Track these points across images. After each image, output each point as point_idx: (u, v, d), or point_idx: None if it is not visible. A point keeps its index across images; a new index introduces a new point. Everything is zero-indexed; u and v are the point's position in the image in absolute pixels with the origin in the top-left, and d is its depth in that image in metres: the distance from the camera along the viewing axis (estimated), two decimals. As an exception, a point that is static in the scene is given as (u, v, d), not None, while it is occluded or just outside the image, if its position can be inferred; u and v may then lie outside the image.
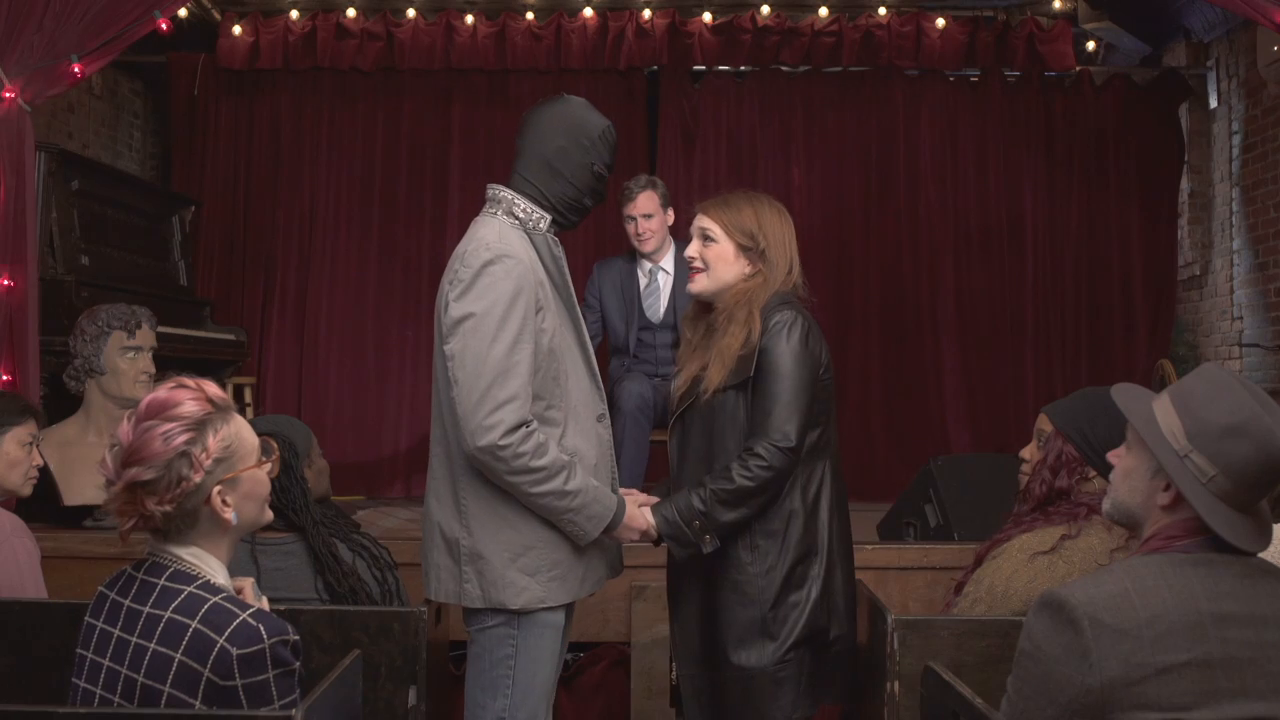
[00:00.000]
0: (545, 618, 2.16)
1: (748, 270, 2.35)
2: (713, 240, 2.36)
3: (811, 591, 2.28)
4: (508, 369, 2.04)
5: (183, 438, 1.58)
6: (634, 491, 2.36)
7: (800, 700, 2.27)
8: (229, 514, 1.62)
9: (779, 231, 2.38)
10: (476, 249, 2.11)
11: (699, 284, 2.39)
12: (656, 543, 2.30)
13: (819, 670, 2.31)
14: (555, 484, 2.08)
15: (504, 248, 2.11)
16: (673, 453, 2.40)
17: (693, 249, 2.39)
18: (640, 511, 2.24)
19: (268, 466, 1.72)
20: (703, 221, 2.38)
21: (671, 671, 2.44)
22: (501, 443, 2.02)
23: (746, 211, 2.37)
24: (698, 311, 2.46)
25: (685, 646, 2.37)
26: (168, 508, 1.58)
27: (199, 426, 1.60)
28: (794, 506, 2.29)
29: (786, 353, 2.25)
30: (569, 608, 2.25)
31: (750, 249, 2.35)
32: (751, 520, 2.26)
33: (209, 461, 1.60)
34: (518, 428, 2.03)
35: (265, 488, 1.70)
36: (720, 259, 2.36)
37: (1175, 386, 1.62)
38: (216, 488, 1.61)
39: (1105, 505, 1.70)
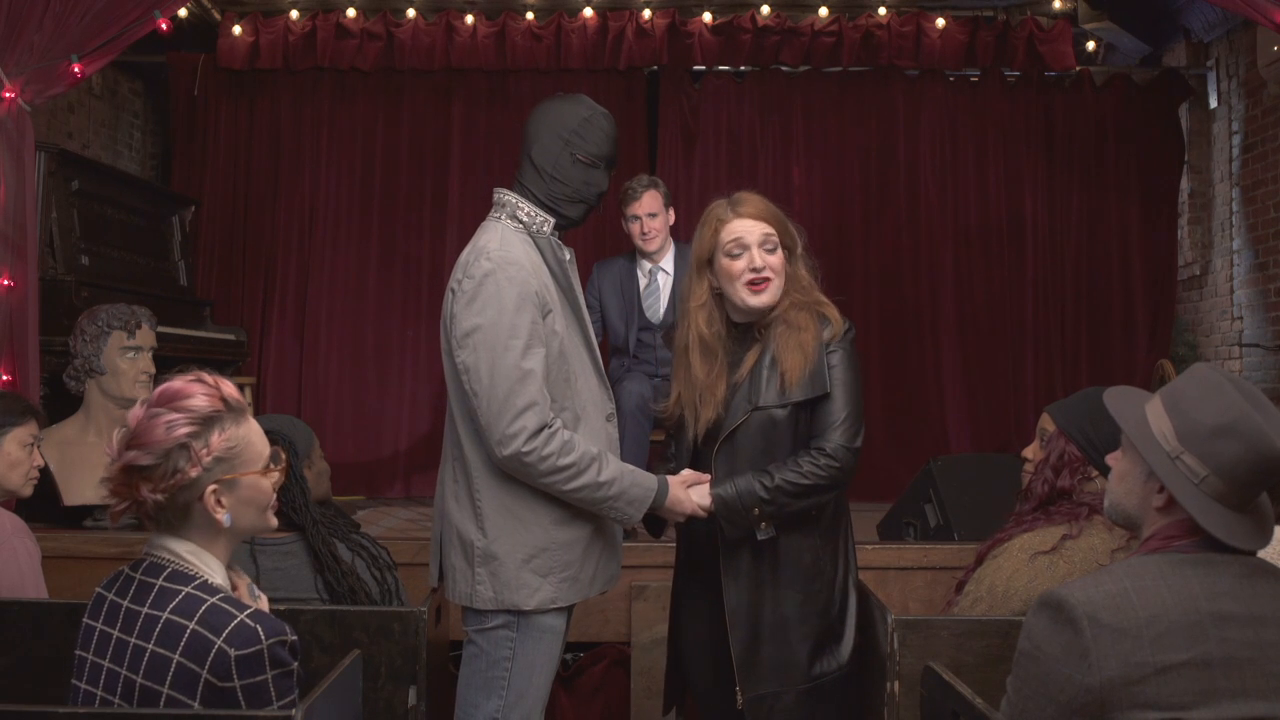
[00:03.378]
0: (546, 621, 2.16)
1: (788, 269, 2.30)
2: (774, 249, 2.27)
3: (853, 592, 2.34)
4: (523, 376, 2.05)
5: (185, 429, 1.58)
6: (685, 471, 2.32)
7: (859, 695, 2.35)
8: (221, 515, 1.61)
9: None
10: (477, 258, 2.12)
11: (771, 293, 2.25)
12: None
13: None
14: (589, 477, 2.09)
15: (504, 255, 2.11)
16: (720, 474, 2.27)
17: (760, 259, 2.24)
18: (687, 494, 2.22)
19: (274, 476, 1.69)
20: (763, 228, 2.26)
21: (737, 698, 2.26)
22: (526, 448, 2.05)
23: (780, 211, 2.32)
24: (711, 339, 2.30)
25: (752, 667, 2.26)
26: (159, 496, 1.57)
27: (205, 422, 1.60)
28: (843, 512, 2.35)
29: (848, 358, 2.27)
30: (569, 611, 2.25)
31: (790, 248, 2.31)
32: (818, 529, 2.27)
33: (208, 459, 1.59)
34: (540, 431, 2.05)
35: (267, 496, 1.68)
36: (783, 266, 2.28)
37: (1167, 388, 1.62)
38: (212, 486, 1.60)
39: (1105, 506, 1.71)
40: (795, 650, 2.25)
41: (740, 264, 2.25)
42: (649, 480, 2.19)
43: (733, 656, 2.27)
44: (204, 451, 1.58)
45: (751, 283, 2.24)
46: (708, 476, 2.26)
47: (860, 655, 2.35)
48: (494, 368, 2.05)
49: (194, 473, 1.58)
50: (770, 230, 2.27)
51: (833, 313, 2.28)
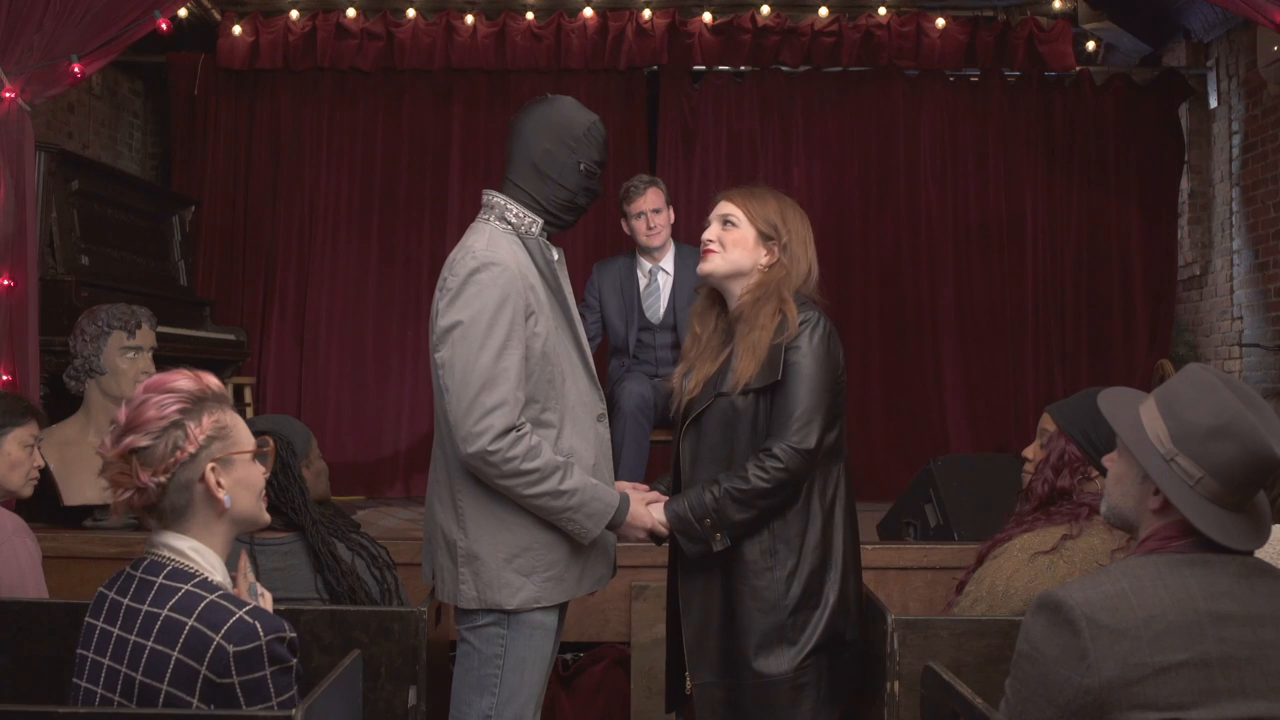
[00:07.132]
0: (536, 619, 2.16)
1: (765, 260, 2.33)
2: (734, 225, 2.34)
3: (830, 597, 2.27)
4: (495, 376, 2.06)
5: (176, 407, 1.61)
6: (641, 487, 2.35)
7: (820, 707, 2.26)
8: (222, 495, 1.63)
9: (801, 229, 2.36)
10: (464, 257, 2.13)
11: (711, 263, 2.34)
12: (659, 542, 2.30)
13: (836, 676, 2.30)
14: (549, 485, 2.08)
15: (490, 255, 2.11)
16: (685, 456, 2.34)
17: (710, 232, 2.35)
18: (647, 510, 2.24)
19: (263, 466, 1.72)
20: (725, 207, 2.36)
21: (686, 682, 2.36)
22: (491, 448, 2.04)
23: (771, 203, 2.35)
24: (708, 305, 2.42)
25: (700, 654, 2.30)
26: (162, 478, 1.59)
27: (195, 401, 1.63)
28: (812, 511, 2.28)
29: (809, 354, 2.23)
30: (562, 609, 2.25)
31: (772, 239, 2.33)
32: (768, 524, 2.24)
33: (203, 436, 1.61)
34: (507, 432, 2.05)
35: (259, 481, 1.70)
36: (739, 244, 2.32)
37: (1161, 389, 1.62)
38: (210, 465, 1.62)
39: (1102, 508, 1.70)
40: (742, 644, 2.24)
41: (705, 234, 2.40)
42: (611, 496, 2.18)
43: (683, 641, 2.32)
44: (198, 430, 1.61)
45: (704, 251, 2.36)
46: (664, 497, 2.29)
47: (825, 666, 2.27)
48: (467, 365, 2.06)
49: (192, 448, 1.60)
50: (734, 210, 2.35)
51: (792, 313, 2.27)
